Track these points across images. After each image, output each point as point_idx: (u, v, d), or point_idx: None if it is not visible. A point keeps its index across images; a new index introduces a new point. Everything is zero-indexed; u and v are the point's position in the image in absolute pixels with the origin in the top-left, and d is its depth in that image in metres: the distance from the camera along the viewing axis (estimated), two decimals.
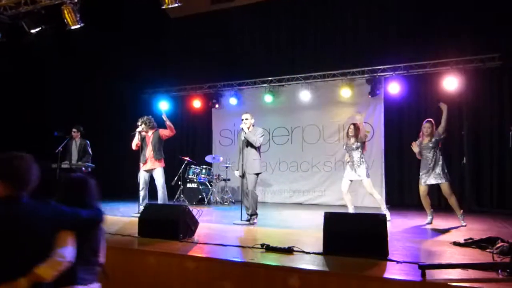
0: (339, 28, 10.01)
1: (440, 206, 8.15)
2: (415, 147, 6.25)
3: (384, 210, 6.41)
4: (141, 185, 6.82)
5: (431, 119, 6.30)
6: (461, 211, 6.07)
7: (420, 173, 6.22)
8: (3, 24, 7.15)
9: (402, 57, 8.96)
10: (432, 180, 6.05)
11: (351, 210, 6.59)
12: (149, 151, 6.84)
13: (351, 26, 9.87)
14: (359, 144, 6.60)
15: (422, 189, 6.19)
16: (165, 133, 6.91)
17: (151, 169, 6.80)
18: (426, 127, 6.20)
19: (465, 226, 5.89)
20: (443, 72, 8.60)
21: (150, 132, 6.96)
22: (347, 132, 6.80)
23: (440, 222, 6.27)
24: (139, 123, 6.97)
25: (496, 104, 8.46)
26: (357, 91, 9.52)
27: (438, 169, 6.01)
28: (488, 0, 7.98)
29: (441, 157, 6.07)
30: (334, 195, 9.43)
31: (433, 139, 6.10)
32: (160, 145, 6.91)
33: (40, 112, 9.68)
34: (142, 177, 6.83)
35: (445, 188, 5.99)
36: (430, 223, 6.19)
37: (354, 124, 6.76)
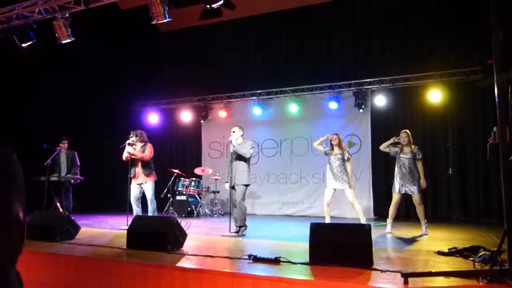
0: (325, 42, 10.23)
1: (427, 216, 8.28)
2: (391, 140, 6.49)
3: (363, 221, 6.49)
4: (132, 199, 6.77)
5: (406, 130, 6.54)
6: (425, 221, 6.26)
7: (395, 180, 6.38)
8: None
9: (388, 70, 9.19)
10: (407, 190, 6.24)
11: (328, 221, 6.71)
12: (138, 165, 6.85)
13: (338, 40, 10.09)
14: (343, 155, 6.72)
15: (396, 197, 6.33)
16: (147, 151, 6.90)
17: (142, 183, 6.79)
18: (402, 137, 6.42)
19: (426, 235, 6.09)
20: (427, 85, 8.81)
21: (139, 146, 6.95)
22: (331, 142, 6.92)
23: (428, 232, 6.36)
24: (130, 135, 7.00)
25: (479, 116, 8.65)
26: (344, 103, 9.69)
27: (415, 181, 6.22)
28: (470, 14, 8.22)
29: (416, 169, 6.29)
30: (323, 207, 9.49)
31: (411, 154, 6.31)
32: (148, 160, 6.90)
33: (29, 125, 9.63)
34: (133, 190, 6.79)
35: (417, 198, 6.19)
36: (390, 232, 6.33)
37: (337, 134, 6.94)
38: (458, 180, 8.72)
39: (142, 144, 6.96)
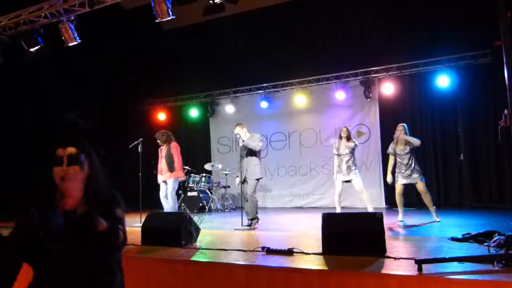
0: (330, 32, 10.15)
1: (439, 203, 8.26)
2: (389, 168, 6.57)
3: (370, 210, 6.50)
4: (161, 196, 7.05)
5: (403, 123, 6.55)
6: (434, 207, 6.27)
7: (397, 172, 6.43)
8: (3, 44, 7.32)
9: (395, 57, 9.07)
10: (409, 180, 6.28)
11: (338, 211, 6.74)
12: (163, 163, 7.10)
13: (343, 29, 10.00)
14: (350, 148, 6.70)
15: (399, 188, 6.38)
16: (174, 150, 7.11)
17: (166, 180, 7.02)
18: (399, 130, 6.46)
19: (439, 222, 6.07)
20: (435, 71, 8.70)
21: (164, 146, 7.18)
22: (340, 135, 6.90)
23: (440, 219, 6.34)
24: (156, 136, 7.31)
25: (490, 100, 8.51)
26: (352, 93, 9.63)
27: (414, 171, 6.25)
28: None
29: (415, 159, 6.34)
30: (335, 197, 9.48)
31: (408, 146, 6.32)
32: (173, 158, 7.08)
33: (37, 127, 9.74)
34: (161, 188, 7.09)
35: (421, 187, 6.22)
36: (402, 220, 6.35)
37: (347, 127, 6.92)
38: (470, 166, 8.63)
39: (166, 144, 7.13)
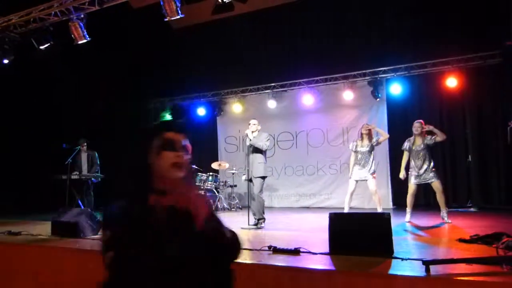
0: (339, 31, 10.10)
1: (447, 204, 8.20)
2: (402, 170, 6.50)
3: (379, 211, 6.47)
4: None
5: (421, 120, 6.49)
6: (446, 208, 6.21)
7: (410, 172, 6.36)
8: (14, 42, 7.39)
9: (403, 58, 9.03)
10: (422, 181, 6.23)
11: (346, 210, 6.71)
12: None
13: (351, 28, 9.95)
14: (370, 146, 6.67)
15: (412, 188, 6.33)
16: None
17: None
18: (415, 127, 6.37)
19: (449, 223, 6.01)
20: (444, 71, 8.66)
21: None
22: (361, 133, 6.85)
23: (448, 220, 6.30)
24: None
25: (498, 101, 8.46)
26: (359, 93, 9.60)
27: (430, 170, 6.18)
28: None
29: (430, 157, 6.26)
30: (341, 198, 9.42)
31: (425, 142, 6.26)
32: None
33: (48, 125, 9.83)
34: None
35: (437, 185, 6.16)
36: (409, 221, 6.29)
37: (367, 124, 6.92)
38: (478, 167, 8.57)
39: None
